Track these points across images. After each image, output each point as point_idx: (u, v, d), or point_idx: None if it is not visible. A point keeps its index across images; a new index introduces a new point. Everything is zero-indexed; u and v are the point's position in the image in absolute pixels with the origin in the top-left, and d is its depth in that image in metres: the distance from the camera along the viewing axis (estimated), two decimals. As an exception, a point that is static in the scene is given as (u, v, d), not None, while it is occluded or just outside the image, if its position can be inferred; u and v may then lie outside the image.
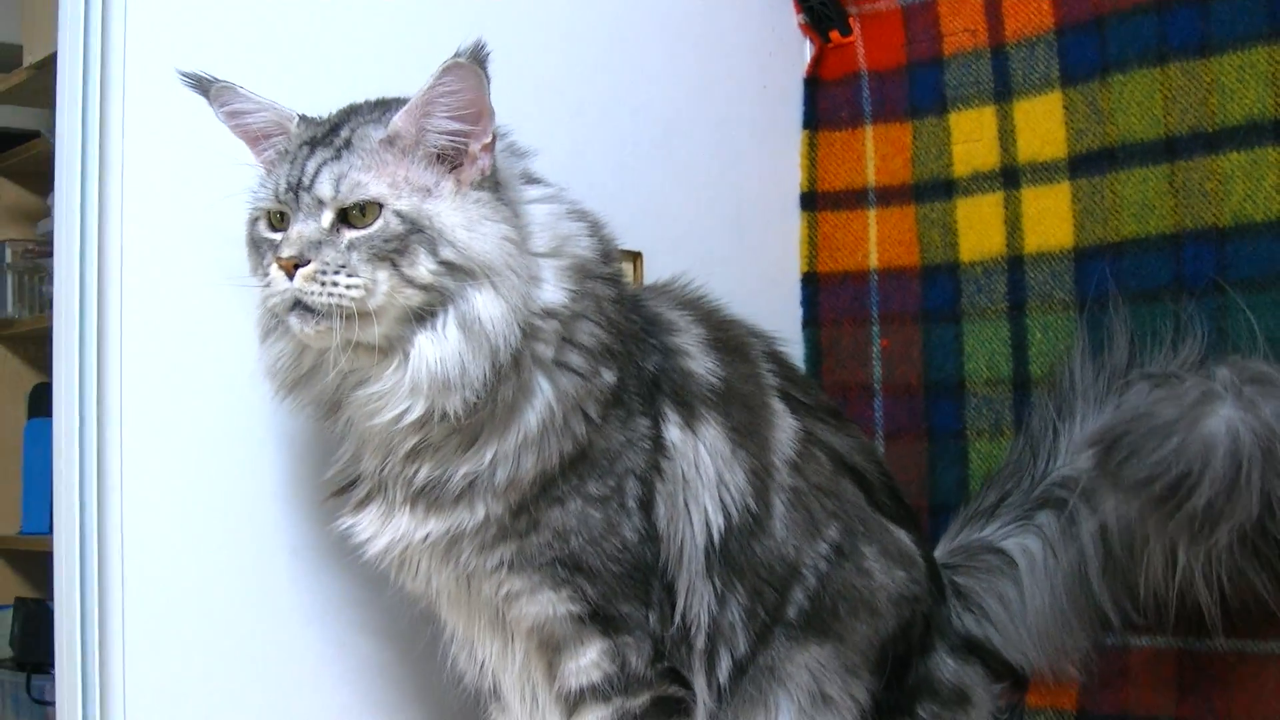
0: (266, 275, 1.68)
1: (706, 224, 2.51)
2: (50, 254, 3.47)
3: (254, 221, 1.75)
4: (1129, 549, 2.10)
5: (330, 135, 1.72)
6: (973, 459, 2.45)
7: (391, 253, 1.66)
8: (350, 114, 1.77)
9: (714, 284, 2.11)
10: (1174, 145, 2.19)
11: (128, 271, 1.89)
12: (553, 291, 1.75)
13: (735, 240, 2.55)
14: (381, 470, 1.80)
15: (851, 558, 1.97)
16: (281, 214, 1.71)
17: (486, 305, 1.69)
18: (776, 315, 2.55)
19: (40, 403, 4.04)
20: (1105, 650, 2.19)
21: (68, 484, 1.87)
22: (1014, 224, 2.40)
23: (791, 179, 2.65)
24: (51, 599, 2.68)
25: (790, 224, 2.64)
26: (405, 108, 1.69)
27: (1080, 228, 2.32)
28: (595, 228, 1.86)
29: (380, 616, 2.06)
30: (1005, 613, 2.21)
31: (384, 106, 1.76)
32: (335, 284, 1.64)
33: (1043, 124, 2.37)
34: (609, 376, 1.80)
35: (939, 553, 2.26)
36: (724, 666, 1.90)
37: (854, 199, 2.59)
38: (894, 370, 2.54)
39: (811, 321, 2.63)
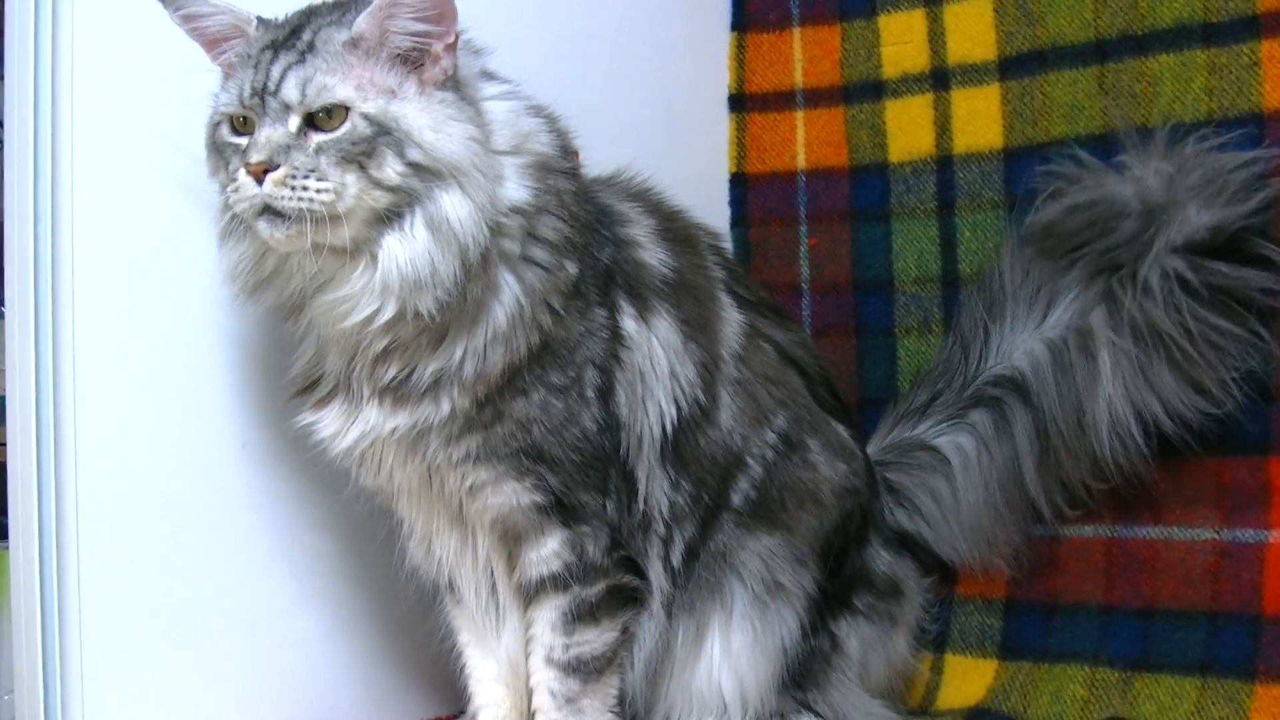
0: (234, 180, 1.66)
1: (639, 123, 2.50)
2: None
3: (215, 125, 1.74)
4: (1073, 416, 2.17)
5: (292, 38, 1.71)
6: (901, 355, 2.48)
7: (359, 155, 1.65)
8: (310, 16, 1.75)
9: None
10: (1104, 47, 2.23)
11: (79, 175, 1.86)
12: (516, 189, 1.76)
13: (666, 140, 2.55)
14: (348, 370, 1.80)
15: (798, 449, 2.02)
16: (245, 118, 1.69)
17: (454, 206, 1.69)
18: (706, 215, 2.45)
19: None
20: (1035, 541, 2.26)
21: (22, 379, 1.85)
22: (943, 125, 2.42)
23: (720, 80, 2.66)
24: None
25: (719, 125, 2.65)
26: (369, 9, 1.68)
27: (1010, 129, 2.35)
28: (552, 122, 1.86)
29: (331, 512, 2.06)
30: (938, 508, 2.26)
31: (343, 7, 1.75)
32: (305, 188, 1.64)
33: (973, 26, 2.39)
34: (571, 269, 1.82)
35: (871, 450, 2.29)
36: (677, 552, 1.94)
37: (782, 100, 2.60)
38: (822, 269, 2.56)
39: (740, 221, 2.64)
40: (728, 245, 2.18)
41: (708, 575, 1.95)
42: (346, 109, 1.66)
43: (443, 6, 1.69)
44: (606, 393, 1.86)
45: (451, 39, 1.71)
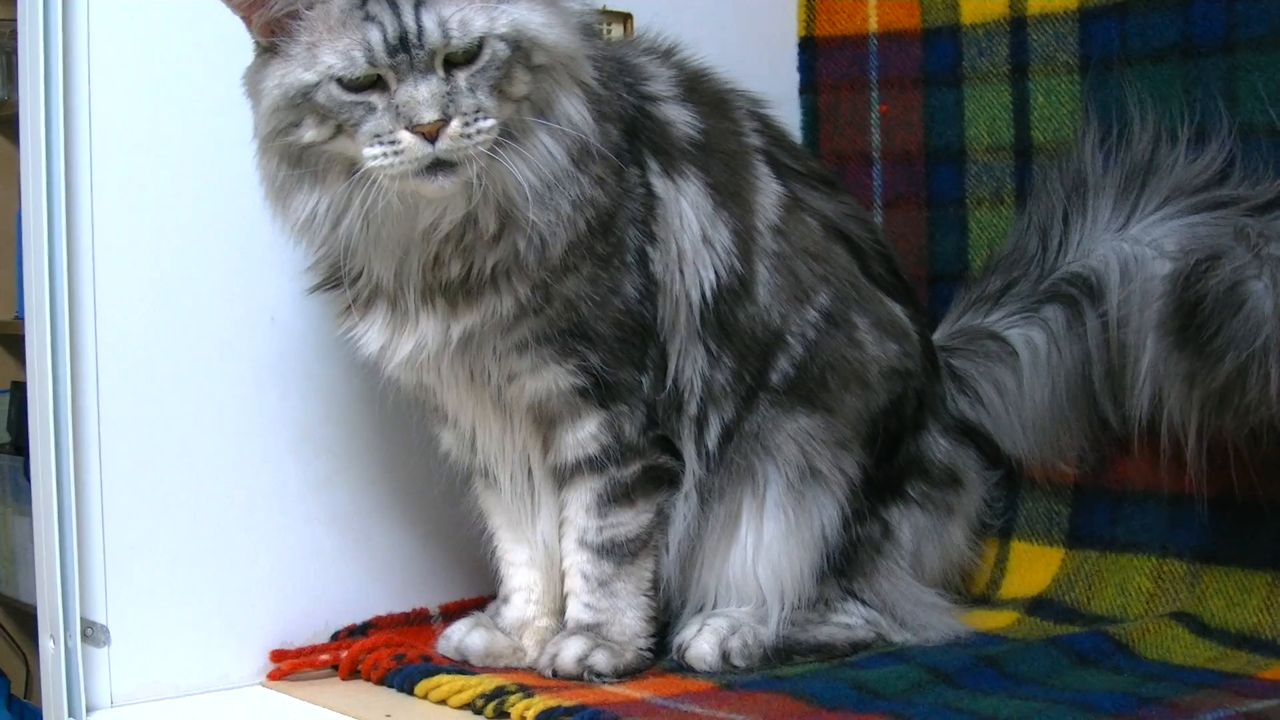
0: (388, 144, 1.58)
1: (703, -14, 2.42)
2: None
3: (312, 89, 1.61)
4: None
5: None
6: (972, 228, 2.40)
7: (501, 79, 1.61)
8: None
9: (708, 49, 2.05)
10: (1184, -105, 2.11)
11: (95, 66, 1.83)
12: None
13: (730, 3, 2.47)
14: (396, 275, 1.75)
15: (843, 327, 1.95)
16: (376, 77, 1.59)
17: (569, 100, 1.68)
18: (773, 81, 2.46)
19: (33, 184, 4.01)
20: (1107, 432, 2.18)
21: (38, 266, 1.83)
22: (1017, -17, 2.32)
23: (789, -58, 2.56)
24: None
25: (788, -14, 2.56)
26: None
27: (1085, -13, 2.24)
28: None
29: (363, 391, 2.04)
30: (1001, 401, 2.20)
31: None
32: (480, 130, 1.59)
33: (1049, -121, 2.27)
34: (614, 134, 1.77)
35: (938, 336, 2.24)
36: (713, 433, 1.90)
37: (854, -40, 2.51)
38: (893, 136, 2.48)
39: (809, 88, 2.56)
40: (772, 112, 2.08)
41: (739, 459, 1.90)
42: (482, 37, 1.59)
43: None
44: (644, 255, 1.82)
45: None
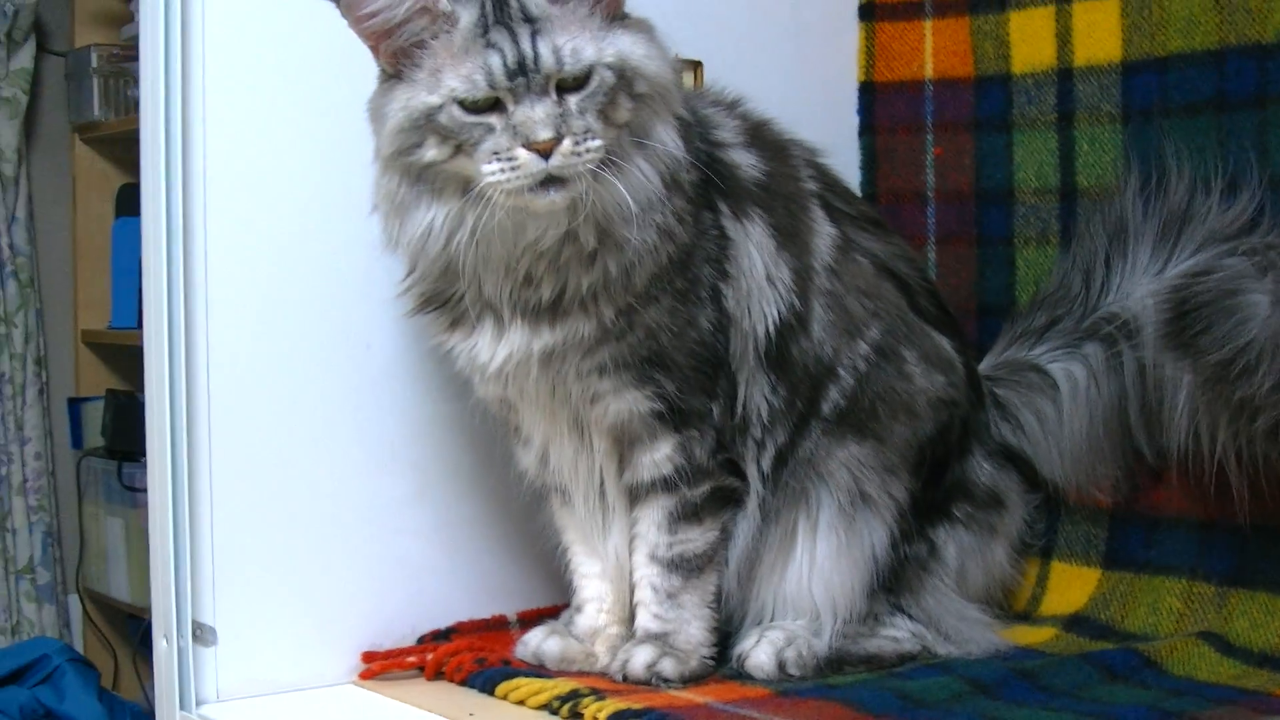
0: (506, 160, 1.71)
1: (765, 33, 2.52)
2: (134, 58, 3.58)
3: (435, 111, 1.74)
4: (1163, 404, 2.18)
5: (500, 7, 1.73)
6: (1019, 265, 2.49)
7: (606, 104, 1.74)
8: None
9: (772, 94, 2.16)
10: (1221, -39, 2.21)
11: (210, 78, 1.95)
12: None
13: (794, 49, 2.57)
14: (498, 293, 1.87)
15: (892, 360, 2.05)
16: (495, 100, 1.72)
17: (664, 128, 1.81)
18: (833, 124, 2.59)
19: (127, 202, 4.17)
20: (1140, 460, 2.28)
21: (155, 281, 1.96)
22: (1064, 37, 2.41)
23: (850, -10, 2.67)
24: (141, 391, 2.82)
25: (848, 34, 2.66)
26: None
27: (1128, 42, 2.33)
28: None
29: (449, 412, 2.16)
30: (1041, 430, 2.28)
31: None
32: (588, 149, 1.71)
33: (1094, -60, 2.37)
34: (692, 174, 1.89)
35: (984, 366, 2.33)
36: (768, 456, 2.00)
37: (911, 9, 2.61)
38: (946, 177, 2.58)
39: (867, 129, 2.66)
40: (846, 157, 2.19)
41: (794, 483, 2.01)
42: (591, 65, 1.73)
43: None
44: (718, 291, 1.93)
45: None
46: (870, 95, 2.67)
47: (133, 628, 4.34)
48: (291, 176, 2.04)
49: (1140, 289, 2.23)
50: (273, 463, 2.04)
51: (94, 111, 4.15)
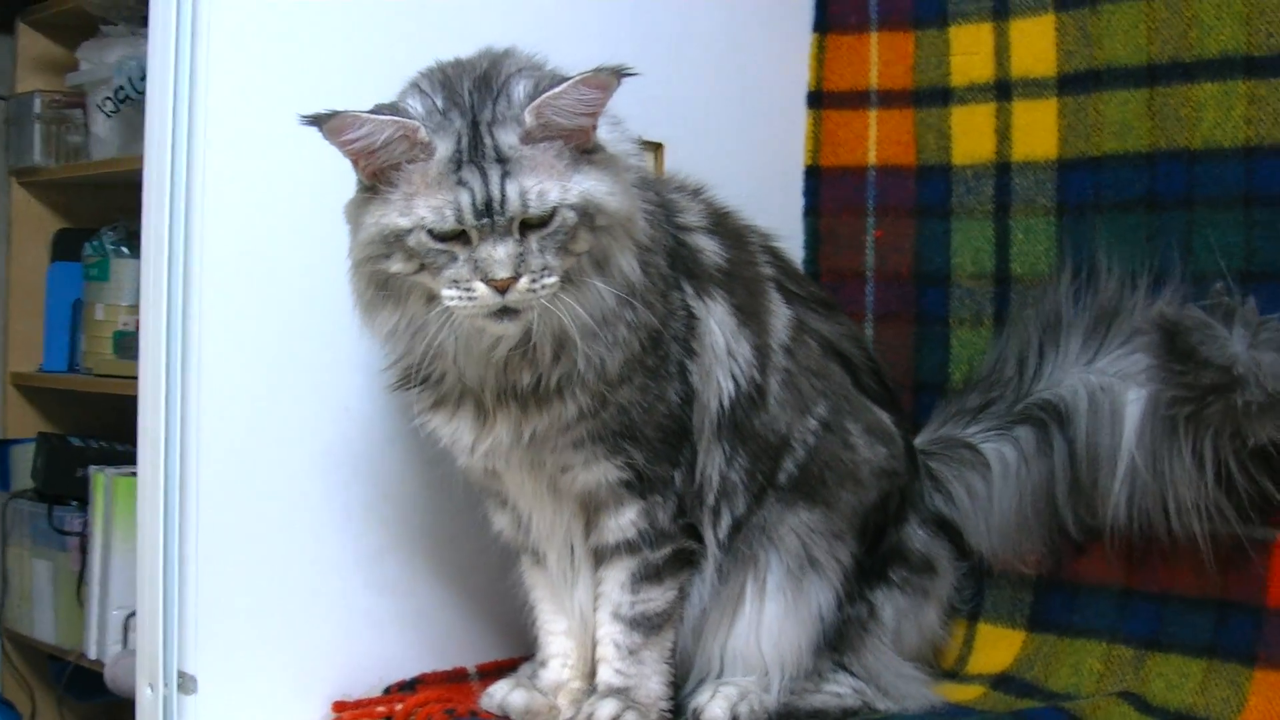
0: (464, 290, 1.77)
1: (720, 119, 2.63)
2: (78, 105, 3.61)
3: (404, 234, 1.79)
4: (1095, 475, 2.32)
5: (475, 146, 1.78)
6: (954, 345, 2.62)
7: (567, 240, 1.80)
8: (464, 111, 1.81)
9: (725, 174, 2.25)
10: (1155, 72, 2.36)
11: (213, 125, 2.03)
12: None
13: (746, 134, 2.68)
14: (478, 379, 1.94)
15: (838, 433, 2.16)
16: (461, 232, 1.77)
17: (622, 253, 1.86)
18: (780, 205, 2.72)
19: (62, 247, 4.18)
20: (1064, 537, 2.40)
21: (154, 325, 2.04)
22: (1004, 133, 2.56)
23: (800, 78, 2.79)
24: (72, 434, 2.85)
25: (796, 120, 2.78)
26: (533, 107, 1.77)
27: (1064, 141, 2.48)
28: (622, 127, 1.99)
29: (424, 473, 2.24)
30: (971, 503, 2.40)
31: (483, 91, 1.82)
32: (544, 286, 1.77)
33: (1036, 43, 2.52)
34: (662, 264, 1.98)
35: (920, 440, 2.44)
36: (725, 523, 2.10)
37: (857, 99, 2.73)
38: (886, 259, 2.70)
39: (812, 211, 2.78)
40: (790, 238, 2.30)
41: (744, 548, 2.11)
42: (555, 207, 1.78)
43: (604, 86, 1.78)
44: (684, 367, 2.02)
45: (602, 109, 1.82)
46: (816, 179, 2.79)
47: (55, 670, 4.34)
48: (282, 263, 2.11)
49: (1071, 377, 2.36)
50: (252, 522, 2.11)
51: (34, 157, 4.15)
